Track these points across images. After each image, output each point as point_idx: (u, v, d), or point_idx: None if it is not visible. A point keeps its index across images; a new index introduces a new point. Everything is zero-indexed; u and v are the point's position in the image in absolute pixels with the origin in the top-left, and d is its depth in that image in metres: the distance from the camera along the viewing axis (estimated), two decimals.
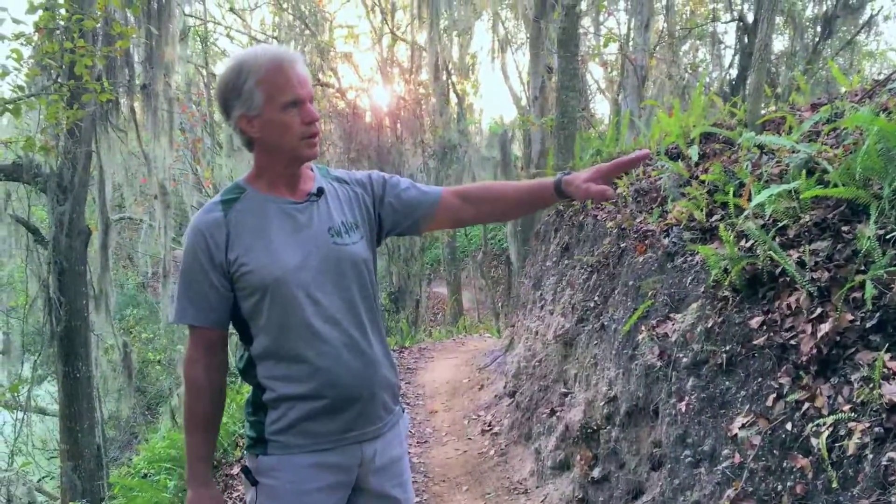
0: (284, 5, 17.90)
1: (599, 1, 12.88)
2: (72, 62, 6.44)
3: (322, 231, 1.98)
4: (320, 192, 2.03)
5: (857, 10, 11.53)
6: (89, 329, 8.91)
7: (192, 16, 15.04)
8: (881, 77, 5.14)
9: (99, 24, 7.16)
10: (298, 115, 1.88)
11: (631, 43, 12.97)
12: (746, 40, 10.73)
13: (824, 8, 11.61)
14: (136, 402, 16.63)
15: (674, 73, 12.29)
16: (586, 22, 15.97)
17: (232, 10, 17.64)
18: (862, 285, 2.63)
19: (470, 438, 6.02)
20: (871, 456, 2.21)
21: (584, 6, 12.61)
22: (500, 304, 18.85)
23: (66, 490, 8.52)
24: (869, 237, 2.71)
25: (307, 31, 18.13)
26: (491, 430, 6.06)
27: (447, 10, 17.12)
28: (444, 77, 17.75)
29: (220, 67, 2.02)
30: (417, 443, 5.98)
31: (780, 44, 14.21)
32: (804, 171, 3.27)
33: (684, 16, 14.85)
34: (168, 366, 19.41)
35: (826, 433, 2.40)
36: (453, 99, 18.72)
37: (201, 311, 1.90)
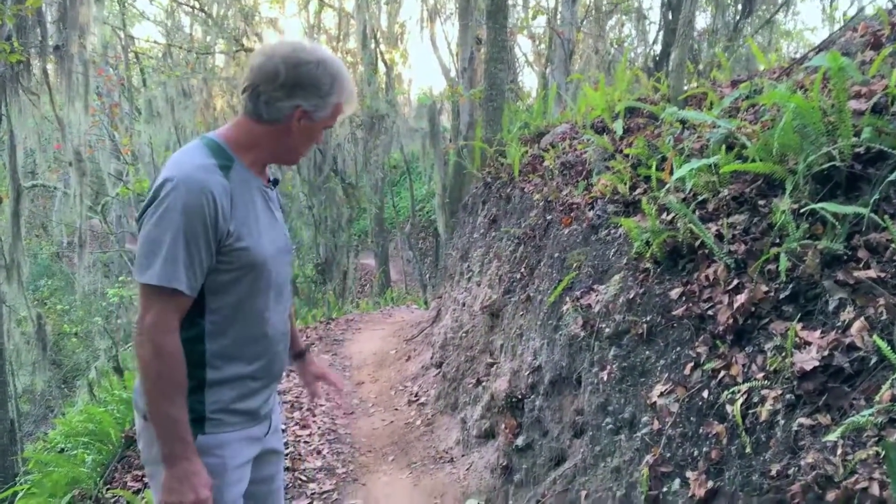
0: None
1: None
2: None
3: (282, 222, 2.07)
4: (276, 182, 2.08)
5: None
6: (1, 300, 8.57)
7: None
8: (798, 55, 5.29)
9: None
10: (321, 135, 2.01)
11: (559, 16, 13.05)
12: (671, 16, 10.90)
13: None
14: (51, 375, 16.14)
15: (600, 48, 12.43)
16: None
17: None
18: (776, 258, 2.72)
19: (397, 409, 6.04)
20: (782, 422, 2.30)
21: None
22: (427, 276, 18.91)
23: None
24: (784, 211, 2.81)
25: None
26: (418, 400, 6.09)
27: None
28: (373, 46, 17.51)
29: (307, 51, 1.96)
30: (344, 414, 5.96)
31: (702, 21, 14.50)
32: (724, 146, 3.36)
33: None
34: (85, 338, 18.87)
35: (740, 400, 2.48)
36: (382, 68, 18.51)
37: (192, 279, 1.78)
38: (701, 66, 11.15)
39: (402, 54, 21.18)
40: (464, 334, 5.81)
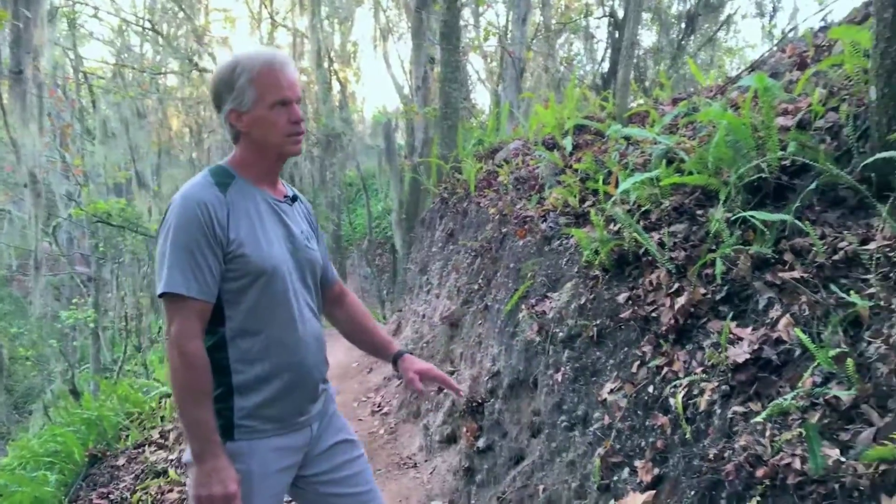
0: None
1: None
2: None
3: (298, 232, 2.13)
4: (295, 198, 2.20)
5: (717, 8, 12.34)
6: None
7: None
8: (736, 73, 5.60)
9: None
10: (285, 114, 2.00)
11: (509, 35, 13.37)
12: (617, 35, 11.29)
13: (688, 6, 12.36)
14: (2, 400, 15.85)
15: (550, 66, 12.77)
16: (466, 13, 16.31)
17: None
18: (713, 262, 2.96)
19: (360, 419, 6.18)
20: (718, 410, 2.53)
21: None
22: (385, 292, 19.02)
23: None
24: (718, 219, 3.06)
25: (181, 14, 17.65)
26: (381, 410, 6.23)
27: None
28: (326, 64, 17.68)
29: (217, 64, 2.25)
30: None
31: (648, 39, 14.98)
32: (664, 161, 3.61)
33: (559, 10, 15.41)
34: (37, 362, 18.55)
35: (682, 393, 2.70)
36: (336, 87, 18.68)
37: (205, 285, 1.90)
38: (647, 84, 11.54)
39: (355, 73, 21.41)
40: (424, 344, 5.99)
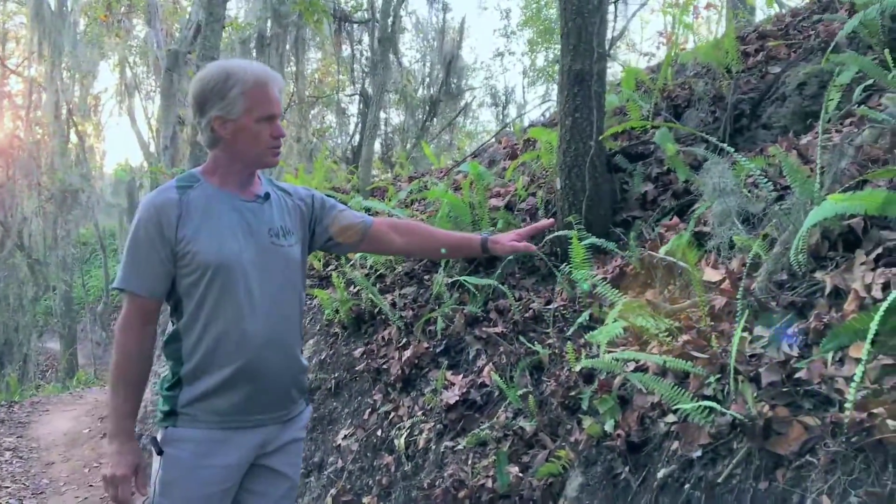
0: None
1: None
2: None
3: (263, 230, 2.12)
4: (267, 196, 2.18)
5: (457, 96, 13.55)
6: None
7: None
8: (462, 158, 6.32)
9: None
10: (269, 129, 2.06)
11: None
12: (368, 113, 12.00)
13: (431, 92, 13.46)
14: None
15: (302, 136, 13.19)
16: None
17: None
18: (435, 320, 3.43)
19: (92, 485, 5.92)
20: (434, 446, 2.94)
21: None
22: None
23: None
24: (440, 283, 3.55)
25: None
26: None
27: (71, 48, 16.29)
28: (65, 117, 16.78)
29: (204, 71, 2.11)
30: (33, 494, 5.72)
31: (397, 117, 15.99)
32: None
33: (314, 83, 15.96)
34: None
35: (405, 434, 3.10)
36: (74, 140, 17.72)
37: (145, 281, 1.99)
38: (394, 159, 12.34)
39: (95, 127, 20.42)
40: None
